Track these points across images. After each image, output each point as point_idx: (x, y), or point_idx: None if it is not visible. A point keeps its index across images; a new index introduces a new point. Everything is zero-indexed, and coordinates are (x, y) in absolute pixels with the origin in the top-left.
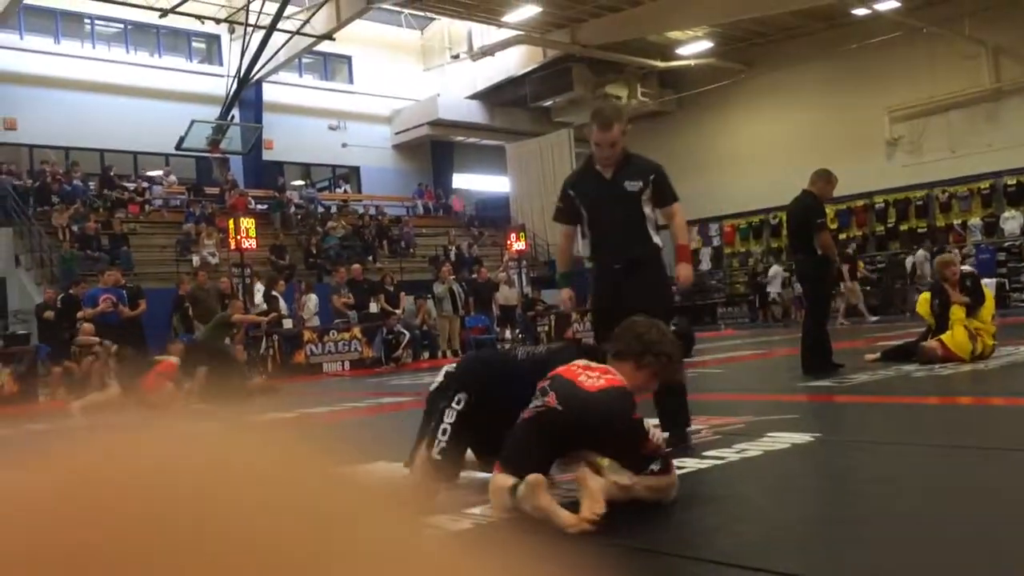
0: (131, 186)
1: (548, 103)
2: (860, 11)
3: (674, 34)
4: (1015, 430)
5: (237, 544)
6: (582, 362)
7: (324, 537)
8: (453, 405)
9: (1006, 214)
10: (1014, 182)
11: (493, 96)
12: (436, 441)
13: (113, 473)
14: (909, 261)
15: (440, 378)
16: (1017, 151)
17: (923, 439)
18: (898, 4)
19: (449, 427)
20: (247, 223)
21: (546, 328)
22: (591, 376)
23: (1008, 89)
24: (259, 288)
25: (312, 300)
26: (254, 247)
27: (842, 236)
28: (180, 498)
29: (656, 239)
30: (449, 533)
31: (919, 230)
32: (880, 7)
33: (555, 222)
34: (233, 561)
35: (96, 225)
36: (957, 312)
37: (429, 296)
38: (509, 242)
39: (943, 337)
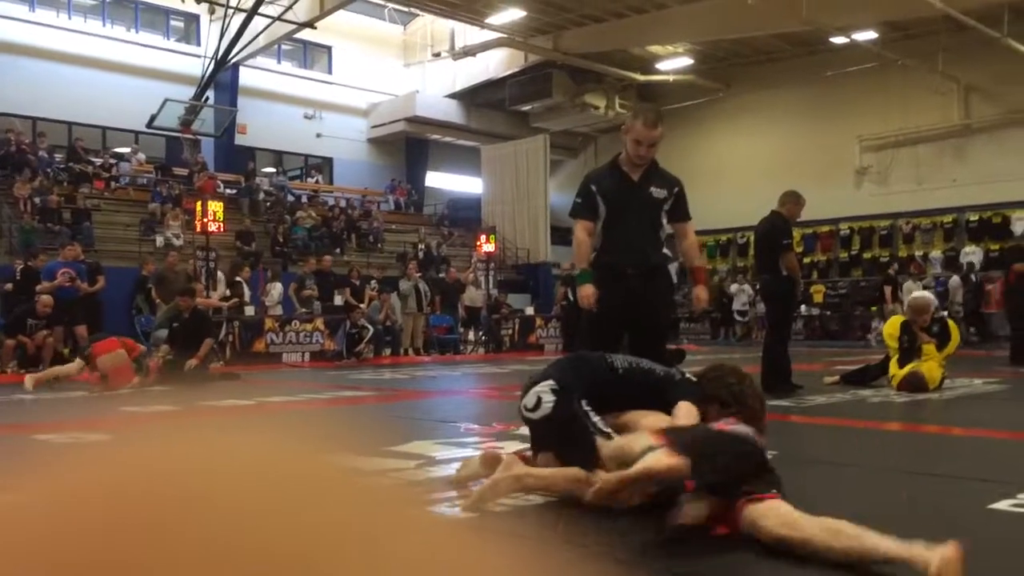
0: (98, 161)
1: (526, 108)
2: (839, 39)
3: (655, 49)
4: (965, 458)
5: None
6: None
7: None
8: (586, 408)
9: (966, 249)
10: (976, 218)
11: (471, 97)
12: (610, 436)
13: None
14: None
15: (544, 399)
16: (981, 188)
17: (875, 462)
18: (875, 36)
19: (602, 422)
20: (215, 206)
21: (510, 332)
22: None
23: (976, 127)
24: (220, 277)
25: (277, 289)
26: (220, 231)
27: (806, 260)
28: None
29: (667, 250)
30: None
31: (882, 259)
32: (858, 37)
33: (573, 217)
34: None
35: (59, 198)
36: (930, 349)
37: (394, 291)
38: (479, 243)
39: (922, 368)
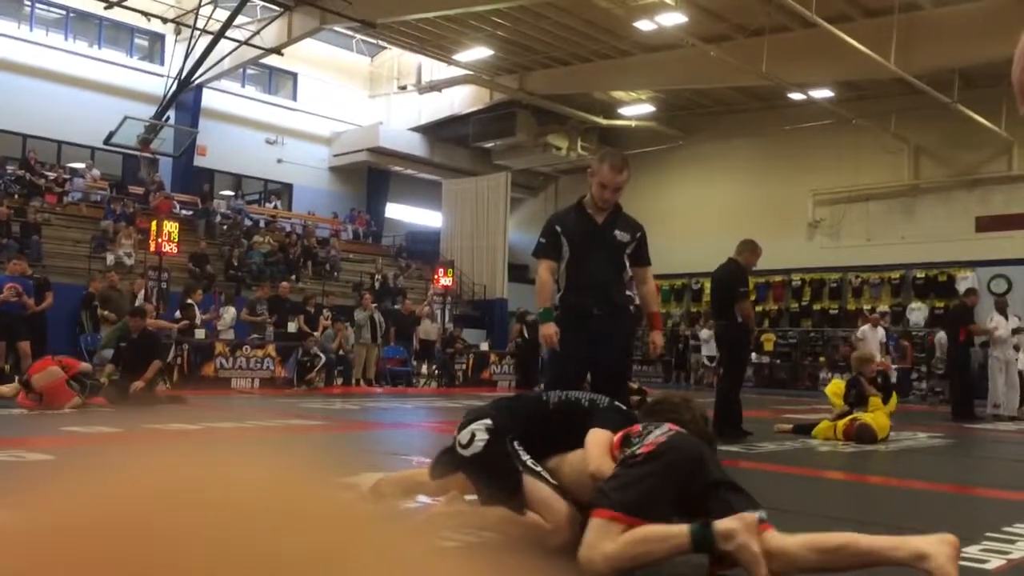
0: (52, 175)
1: (489, 145)
2: (796, 95)
3: (618, 94)
4: (906, 509)
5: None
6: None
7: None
8: (518, 449)
9: (912, 305)
10: (922, 275)
11: (435, 131)
12: (541, 475)
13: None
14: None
15: (477, 436)
16: (928, 246)
17: (819, 510)
18: (831, 94)
19: (532, 461)
20: (170, 227)
21: (464, 367)
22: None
23: (925, 187)
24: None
25: (230, 312)
26: (175, 252)
27: (759, 308)
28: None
29: (629, 292)
30: None
31: (831, 311)
32: (815, 95)
33: (537, 257)
34: None
35: (9, 211)
36: (876, 401)
37: (349, 321)
38: (436, 277)
39: (867, 418)
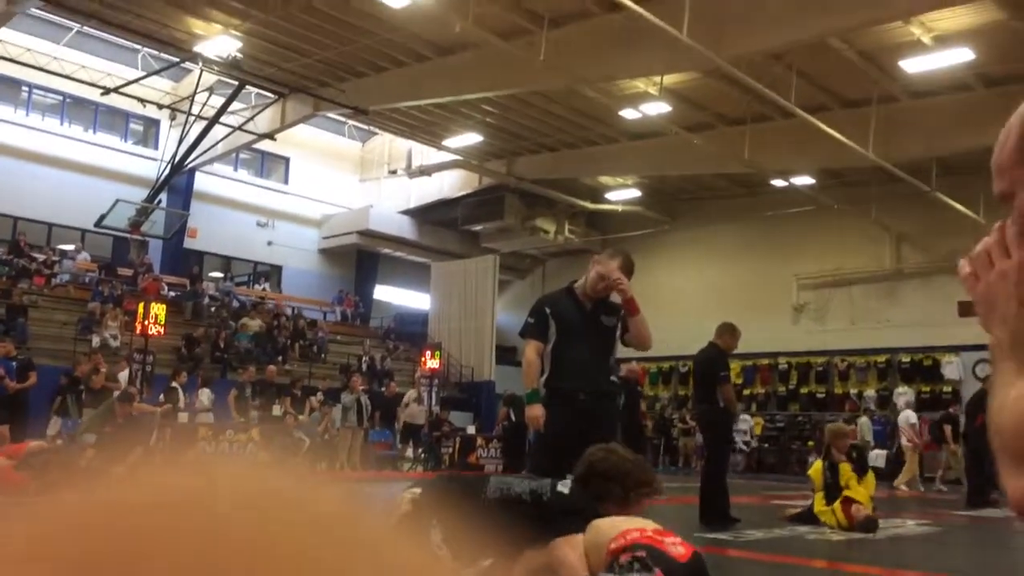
0: (41, 257)
1: (478, 228)
2: (778, 182)
3: (605, 179)
4: None
5: None
6: (637, 522)
7: None
8: (434, 523)
9: (899, 389)
10: (908, 359)
11: (425, 214)
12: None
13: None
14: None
15: (403, 507)
16: (912, 331)
17: None
18: (812, 181)
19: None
20: (157, 309)
21: (450, 451)
22: (671, 542)
23: (907, 272)
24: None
25: (205, 394)
26: (161, 334)
27: (746, 392)
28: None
29: (614, 377)
30: None
31: (818, 395)
32: (796, 181)
33: (525, 337)
34: None
35: None
36: (847, 472)
37: (336, 404)
38: (423, 359)
39: (849, 494)
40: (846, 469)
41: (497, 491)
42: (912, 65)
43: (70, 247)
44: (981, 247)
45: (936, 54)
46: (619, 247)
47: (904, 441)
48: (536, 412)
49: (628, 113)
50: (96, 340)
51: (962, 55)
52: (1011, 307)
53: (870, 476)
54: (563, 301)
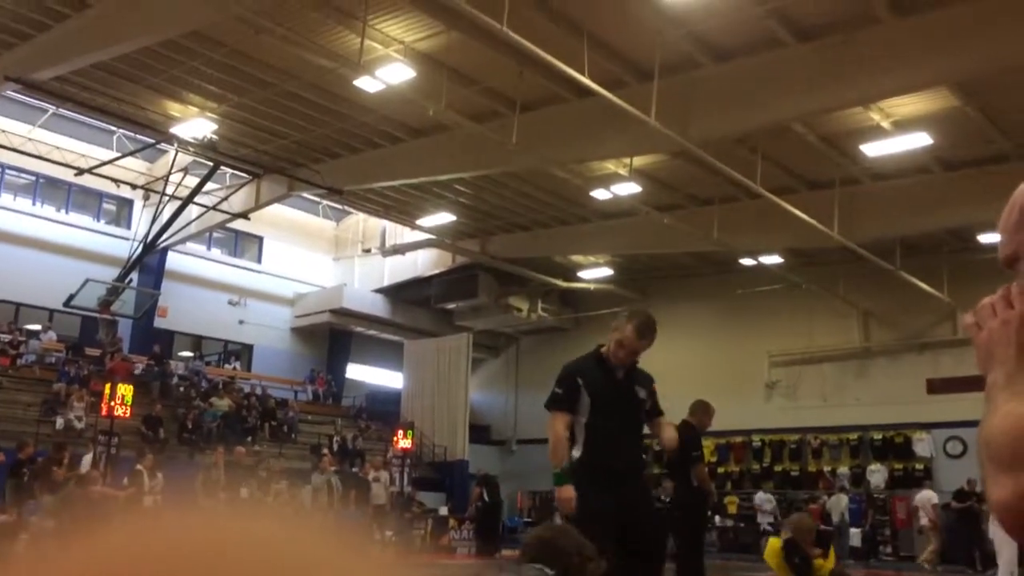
0: (7, 337)
1: (451, 306)
2: (747, 261)
3: (577, 258)
4: None
5: None
6: None
7: None
8: None
9: (872, 467)
10: (880, 437)
11: (398, 292)
12: None
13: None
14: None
15: None
16: (882, 408)
17: None
18: (781, 260)
19: None
20: (124, 389)
21: (422, 532)
22: None
23: (876, 350)
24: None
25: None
26: (127, 415)
27: (720, 470)
28: None
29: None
30: None
31: (792, 472)
32: (765, 260)
33: (551, 409)
34: None
35: None
36: (823, 569)
37: (306, 484)
38: (395, 438)
39: None
40: (821, 565)
41: None
42: (873, 149)
43: (37, 327)
44: (985, 301)
45: (895, 138)
46: (636, 308)
47: (924, 521)
48: (567, 494)
49: (599, 193)
50: (60, 422)
51: (920, 140)
52: (1010, 352)
53: (831, 553)
54: (595, 370)
